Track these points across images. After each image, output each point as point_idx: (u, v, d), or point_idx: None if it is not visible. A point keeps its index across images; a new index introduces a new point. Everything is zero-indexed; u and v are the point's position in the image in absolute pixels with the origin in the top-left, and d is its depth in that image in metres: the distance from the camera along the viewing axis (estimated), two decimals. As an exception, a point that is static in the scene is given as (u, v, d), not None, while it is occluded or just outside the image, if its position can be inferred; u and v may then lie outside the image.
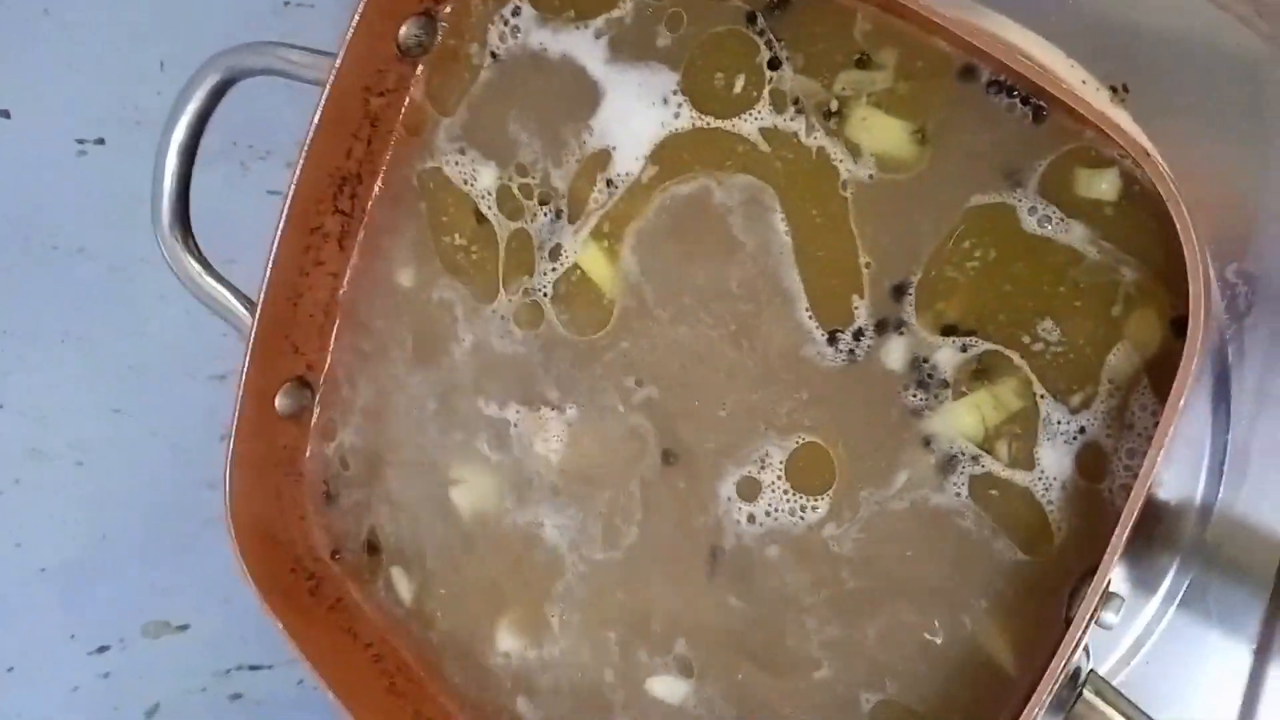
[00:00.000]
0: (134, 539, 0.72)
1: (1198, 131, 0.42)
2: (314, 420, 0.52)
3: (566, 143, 0.46)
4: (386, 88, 0.49)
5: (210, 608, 0.74)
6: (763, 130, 0.42)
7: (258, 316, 0.48)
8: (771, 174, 0.42)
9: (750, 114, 0.42)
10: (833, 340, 0.41)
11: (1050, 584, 0.36)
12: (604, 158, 0.45)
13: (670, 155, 0.44)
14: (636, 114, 0.45)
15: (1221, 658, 0.42)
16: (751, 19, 0.42)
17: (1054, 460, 0.37)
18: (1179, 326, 0.34)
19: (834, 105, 0.40)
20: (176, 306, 0.59)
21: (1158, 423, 0.34)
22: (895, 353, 0.40)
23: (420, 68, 0.49)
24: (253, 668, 0.77)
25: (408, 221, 0.50)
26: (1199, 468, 0.43)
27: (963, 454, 0.39)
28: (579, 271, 0.46)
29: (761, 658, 0.43)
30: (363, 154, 0.50)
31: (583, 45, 0.46)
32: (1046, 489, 0.37)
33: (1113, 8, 0.42)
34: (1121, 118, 0.43)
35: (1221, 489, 0.43)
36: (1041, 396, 0.38)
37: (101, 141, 0.65)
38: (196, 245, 0.50)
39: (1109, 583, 0.32)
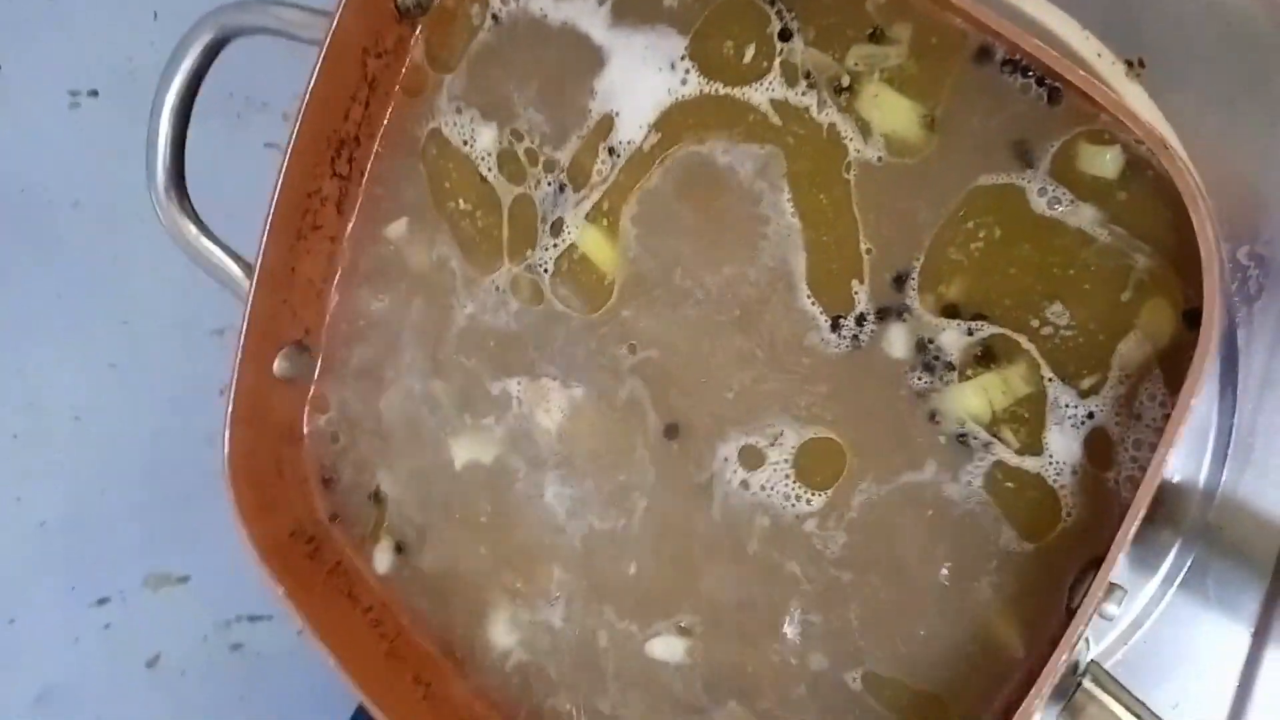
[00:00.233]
0: (133, 492, 0.72)
1: (1213, 110, 0.41)
2: (313, 384, 0.52)
3: (569, 108, 0.45)
4: (385, 49, 0.48)
5: (210, 559, 0.74)
6: (774, 102, 0.41)
7: (254, 281, 0.48)
8: (782, 149, 0.41)
9: (761, 84, 0.41)
10: (836, 327, 0.40)
11: (1054, 571, 0.36)
12: (607, 124, 0.44)
13: (676, 123, 0.43)
14: (642, 79, 0.44)
15: (1219, 640, 0.43)
16: (763, -13, 0.41)
17: (1062, 445, 0.37)
18: (1192, 318, 0.34)
19: (845, 80, 0.39)
20: (173, 260, 0.58)
21: (1166, 414, 0.34)
22: (899, 338, 0.39)
23: (419, 28, 0.48)
24: (253, 618, 0.78)
25: (408, 186, 0.49)
26: (1204, 450, 0.42)
27: (975, 439, 0.38)
28: (579, 252, 0.45)
29: (751, 628, 0.43)
30: (361, 116, 0.49)
31: (586, 9, 0.45)
32: (1058, 474, 0.37)
33: (1132, -21, 0.41)
34: (1135, 93, 0.42)
35: (1225, 472, 0.42)
36: (1050, 380, 0.37)
37: (95, 93, 0.64)
38: (192, 207, 0.49)
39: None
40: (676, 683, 0.44)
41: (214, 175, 0.51)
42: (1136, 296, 0.36)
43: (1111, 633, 0.42)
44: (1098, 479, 0.36)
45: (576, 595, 0.47)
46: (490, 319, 0.47)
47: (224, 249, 0.49)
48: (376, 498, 0.51)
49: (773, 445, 0.42)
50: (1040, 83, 0.36)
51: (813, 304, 0.41)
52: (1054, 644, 0.34)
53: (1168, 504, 0.42)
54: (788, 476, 0.41)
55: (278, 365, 0.50)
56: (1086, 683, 0.34)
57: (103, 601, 0.72)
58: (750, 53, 0.41)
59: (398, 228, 0.50)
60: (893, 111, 0.39)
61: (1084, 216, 0.36)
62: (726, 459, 0.43)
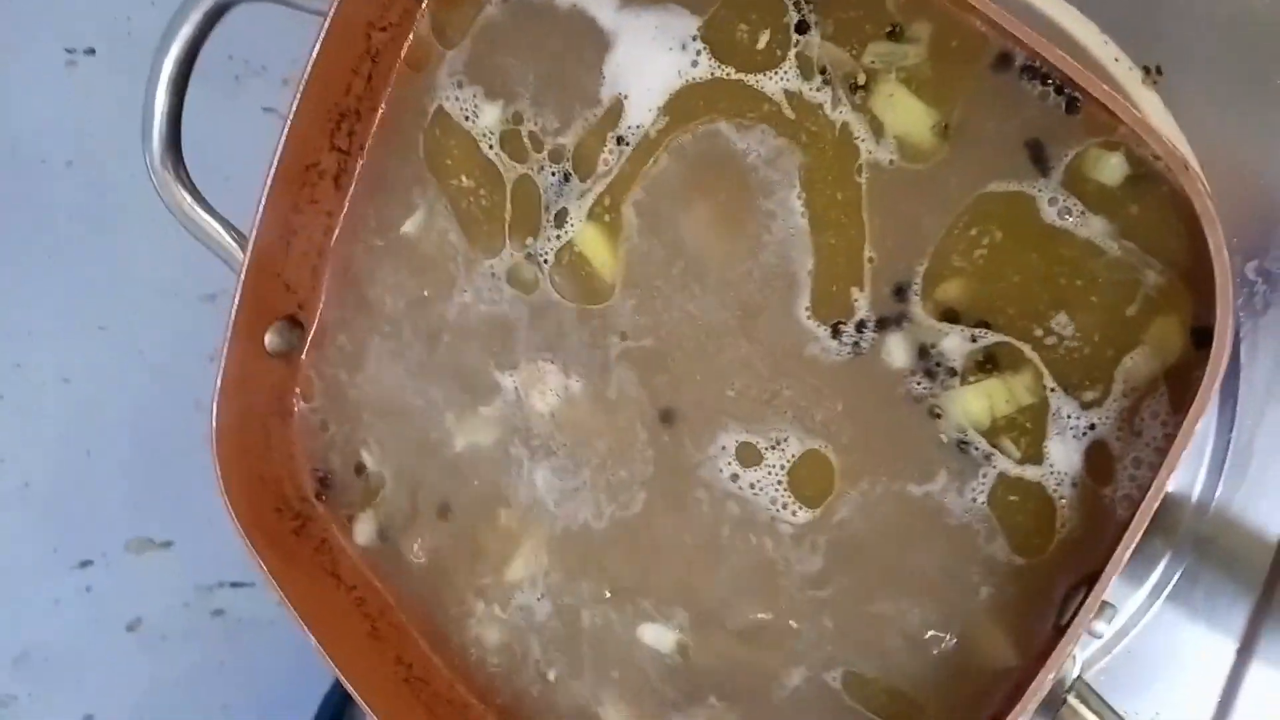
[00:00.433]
0: (119, 456, 0.71)
1: (1227, 122, 0.40)
2: (304, 360, 0.51)
3: (575, 90, 0.44)
4: (390, 22, 0.47)
5: (194, 525, 0.73)
6: (787, 94, 0.40)
7: (249, 254, 0.47)
8: (795, 144, 0.40)
9: (775, 74, 0.40)
10: (836, 333, 0.40)
11: (1046, 585, 0.36)
12: (615, 109, 0.43)
13: (686, 106, 0.42)
14: (651, 60, 0.43)
15: (1204, 652, 0.43)
16: (781, -24, 0.40)
17: (1063, 455, 0.37)
18: (1200, 336, 0.33)
19: (861, 78, 0.39)
20: (166, 224, 0.57)
21: (1167, 434, 0.34)
22: (899, 346, 0.39)
23: (425, 1, 0.47)
24: (235, 585, 0.77)
25: (408, 162, 0.48)
26: (1200, 461, 0.42)
27: (976, 449, 0.38)
28: (577, 250, 0.45)
29: (735, 621, 0.43)
30: (362, 90, 0.48)
31: (595, -9, 0.44)
32: (1058, 484, 0.37)
33: (1154, -14, 0.41)
34: (1151, 100, 0.41)
35: (1220, 485, 0.42)
36: (1052, 390, 0.37)
37: (92, 52, 0.63)
38: (188, 175, 0.48)
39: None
40: (660, 671, 0.44)
41: (211, 139, 0.50)
42: (1145, 311, 0.35)
43: (1097, 640, 0.42)
44: (1095, 493, 0.36)
45: (561, 579, 0.46)
46: (488, 302, 0.47)
47: (219, 220, 0.49)
48: (364, 476, 0.51)
49: (773, 449, 0.42)
50: (1059, 91, 0.35)
51: (810, 315, 0.40)
52: (1041, 657, 0.34)
53: (1161, 514, 0.42)
54: (780, 483, 0.41)
55: (269, 339, 0.50)
56: (1072, 699, 0.34)
57: (85, 564, 0.72)
58: (764, 40, 0.41)
59: (397, 204, 0.49)
60: (906, 114, 0.38)
61: (1094, 228, 0.36)
62: (725, 447, 0.42)
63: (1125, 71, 0.42)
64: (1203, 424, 0.41)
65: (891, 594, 0.39)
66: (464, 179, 0.47)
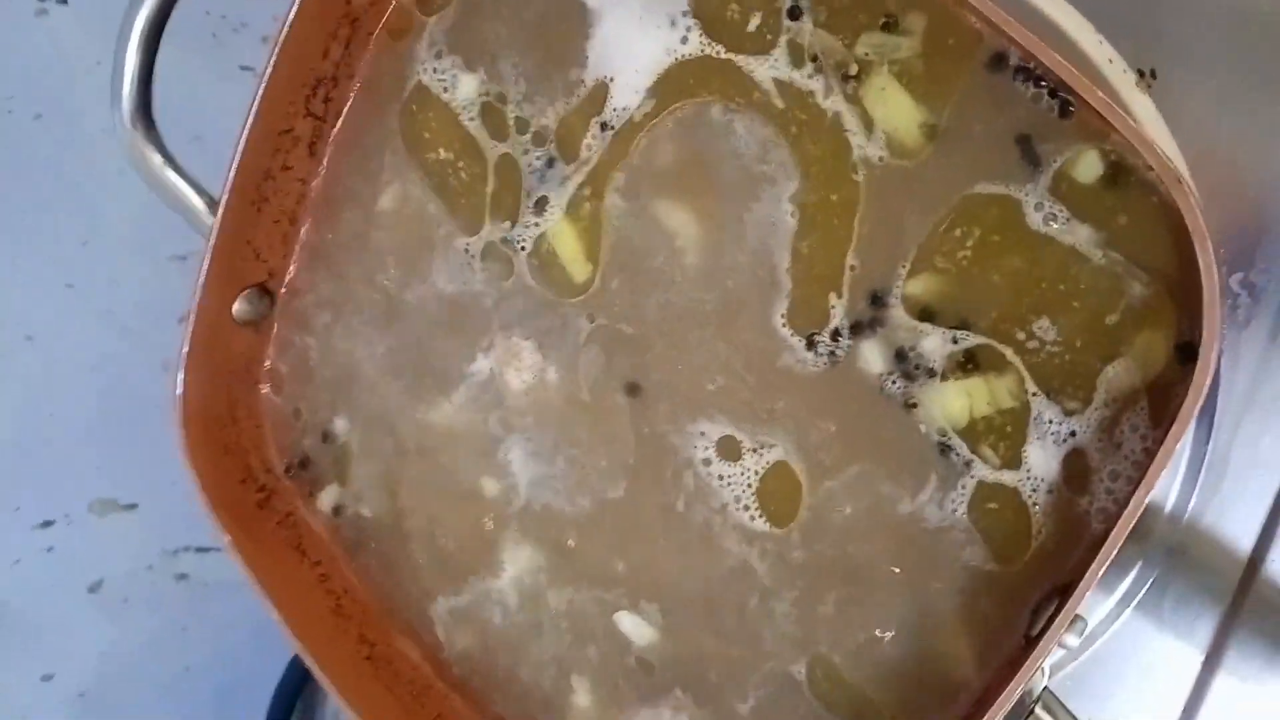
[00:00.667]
0: (84, 416, 0.70)
1: (1219, 131, 0.40)
2: (274, 330, 0.50)
3: (559, 66, 0.43)
4: (370, -13, 0.45)
5: (160, 488, 0.72)
6: (777, 81, 0.39)
7: (218, 218, 0.46)
8: (785, 136, 0.39)
9: (766, 59, 0.39)
10: (811, 345, 0.39)
11: (1016, 594, 0.36)
12: (600, 91, 0.42)
13: (674, 86, 0.41)
14: (639, 39, 0.42)
15: (1170, 663, 0.43)
16: (774, -39, 0.39)
17: (1041, 461, 0.37)
18: (1185, 351, 0.33)
19: (853, 69, 0.38)
20: (138, 181, 0.56)
21: (1146, 449, 0.34)
22: (873, 351, 0.38)
23: (408, -33, 0.46)
24: (200, 549, 0.76)
25: (385, 132, 0.47)
26: (1175, 472, 0.42)
27: (956, 455, 0.37)
28: (549, 248, 0.44)
29: (708, 612, 0.43)
30: (340, 56, 0.46)
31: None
32: (1034, 490, 0.36)
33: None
34: (1144, 104, 0.41)
35: (1195, 496, 0.42)
36: (1034, 394, 0.37)
37: (64, 1, 0.61)
38: (159, 137, 0.47)
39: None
40: (629, 659, 0.44)
41: (185, 97, 0.48)
42: (1128, 322, 0.35)
43: (1065, 647, 0.42)
44: (1071, 503, 0.36)
45: (530, 561, 0.46)
46: (463, 279, 0.46)
47: (190, 183, 0.47)
48: (332, 450, 0.50)
49: (754, 452, 0.41)
50: (1053, 94, 0.34)
51: (786, 324, 0.40)
52: (1007, 667, 0.34)
53: (1135, 523, 0.42)
54: (750, 486, 0.41)
55: (238, 308, 0.48)
56: (1039, 710, 0.34)
57: (47, 524, 0.71)
58: (755, 22, 0.40)
59: (372, 175, 0.48)
60: (897, 109, 0.37)
61: (1079, 236, 0.35)
62: (704, 433, 0.42)
63: (1120, 74, 0.41)
64: (1180, 434, 0.41)
65: (861, 596, 0.39)
66: (442, 151, 0.46)
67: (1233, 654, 0.42)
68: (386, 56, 0.47)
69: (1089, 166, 0.35)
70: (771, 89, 0.39)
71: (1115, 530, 0.29)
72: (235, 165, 0.45)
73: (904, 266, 0.38)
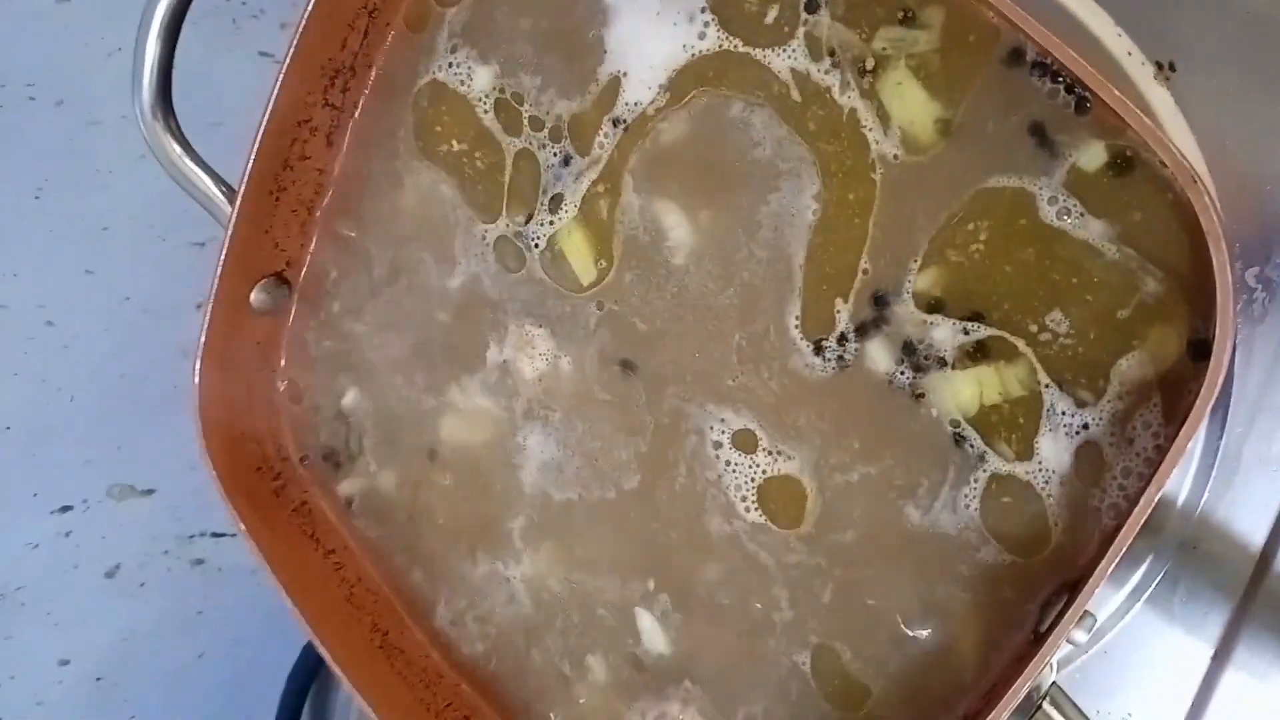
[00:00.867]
0: (103, 401, 0.71)
1: (1237, 125, 0.40)
2: (291, 319, 0.51)
3: (576, 63, 0.43)
4: (388, -22, 0.46)
5: (177, 473, 0.73)
6: (795, 73, 0.39)
7: (236, 208, 0.46)
8: (802, 132, 0.39)
9: (783, 50, 0.39)
10: (819, 350, 0.40)
11: (1025, 589, 0.36)
12: (614, 87, 0.42)
13: (691, 81, 0.41)
14: (656, 34, 0.42)
15: (1179, 658, 0.43)
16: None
17: (1053, 452, 0.37)
18: (1197, 349, 0.33)
19: (870, 63, 0.38)
20: (157, 167, 0.56)
21: (1158, 445, 0.34)
22: (880, 350, 0.39)
23: (426, -42, 0.46)
24: (216, 535, 0.77)
25: (402, 122, 0.48)
26: (1188, 466, 0.42)
27: (971, 447, 0.37)
28: (559, 249, 0.44)
29: (717, 603, 0.43)
30: (358, 46, 0.47)
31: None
32: (1046, 481, 0.36)
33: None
34: (1162, 97, 0.41)
35: (1207, 491, 0.42)
36: (1046, 385, 0.37)
37: (84, -11, 0.61)
38: (178, 126, 0.47)
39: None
40: (637, 649, 0.44)
41: (205, 83, 0.49)
42: (1141, 317, 0.35)
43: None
44: (1083, 497, 0.36)
45: (541, 550, 0.46)
46: (477, 270, 0.46)
47: (209, 172, 0.48)
48: (347, 439, 0.51)
49: (767, 454, 0.41)
50: (1069, 90, 0.34)
51: (798, 327, 0.40)
52: (1015, 663, 0.34)
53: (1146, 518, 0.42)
54: (752, 480, 0.41)
55: (255, 297, 0.49)
56: (1046, 705, 0.34)
57: (65, 509, 0.71)
58: (773, 15, 0.40)
59: (389, 165, 0.48)
60: (913, 104, 0.37)
61: (1093, 231, 0.35)
62: (724, 420, 0.42)
63: (1138, 67, 0.41)
64: (1193, 430, 0.41)
65: (870, 591, 0.39)
66: (457, 143, 0.46)
67: (1243, 649, 0.41)
68: (404, 47, 0.47)
69: (1094, 155, 0.35)
70: (790, 80, 0.39)
71: (1126, 527, 0.30)
72: (253, 156, 0.46)
73: (915, 262, 0.38)
